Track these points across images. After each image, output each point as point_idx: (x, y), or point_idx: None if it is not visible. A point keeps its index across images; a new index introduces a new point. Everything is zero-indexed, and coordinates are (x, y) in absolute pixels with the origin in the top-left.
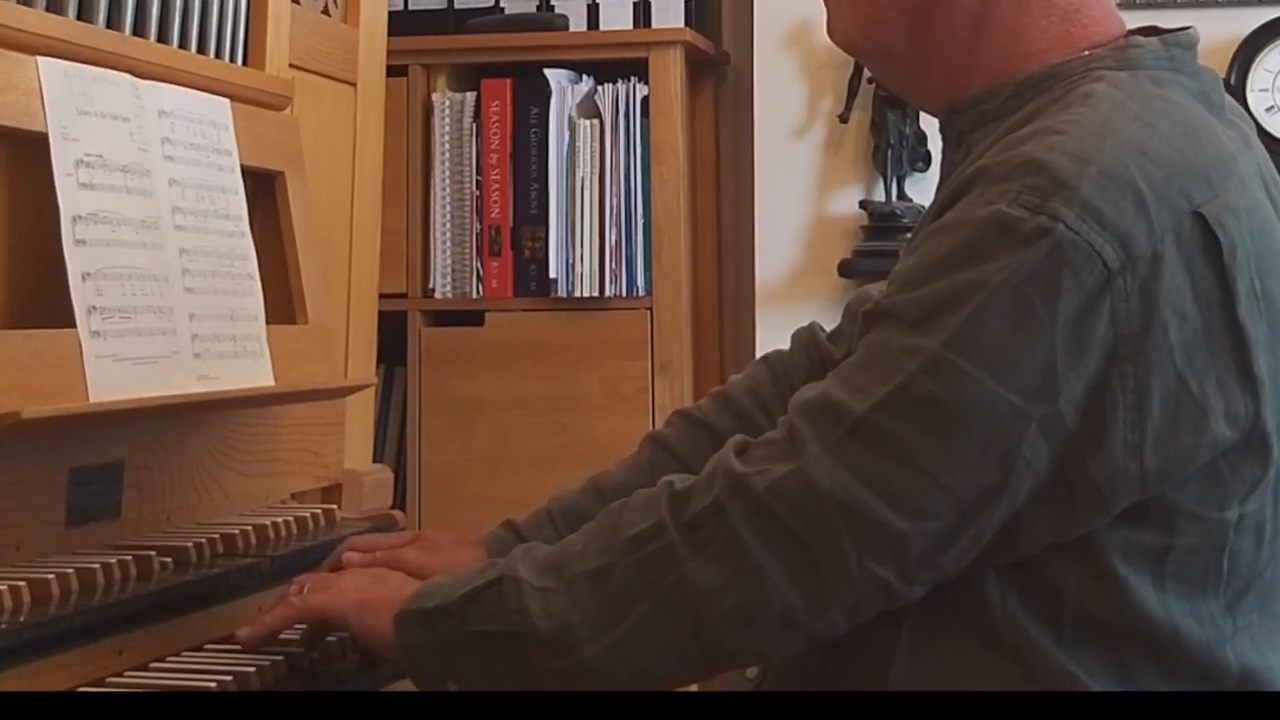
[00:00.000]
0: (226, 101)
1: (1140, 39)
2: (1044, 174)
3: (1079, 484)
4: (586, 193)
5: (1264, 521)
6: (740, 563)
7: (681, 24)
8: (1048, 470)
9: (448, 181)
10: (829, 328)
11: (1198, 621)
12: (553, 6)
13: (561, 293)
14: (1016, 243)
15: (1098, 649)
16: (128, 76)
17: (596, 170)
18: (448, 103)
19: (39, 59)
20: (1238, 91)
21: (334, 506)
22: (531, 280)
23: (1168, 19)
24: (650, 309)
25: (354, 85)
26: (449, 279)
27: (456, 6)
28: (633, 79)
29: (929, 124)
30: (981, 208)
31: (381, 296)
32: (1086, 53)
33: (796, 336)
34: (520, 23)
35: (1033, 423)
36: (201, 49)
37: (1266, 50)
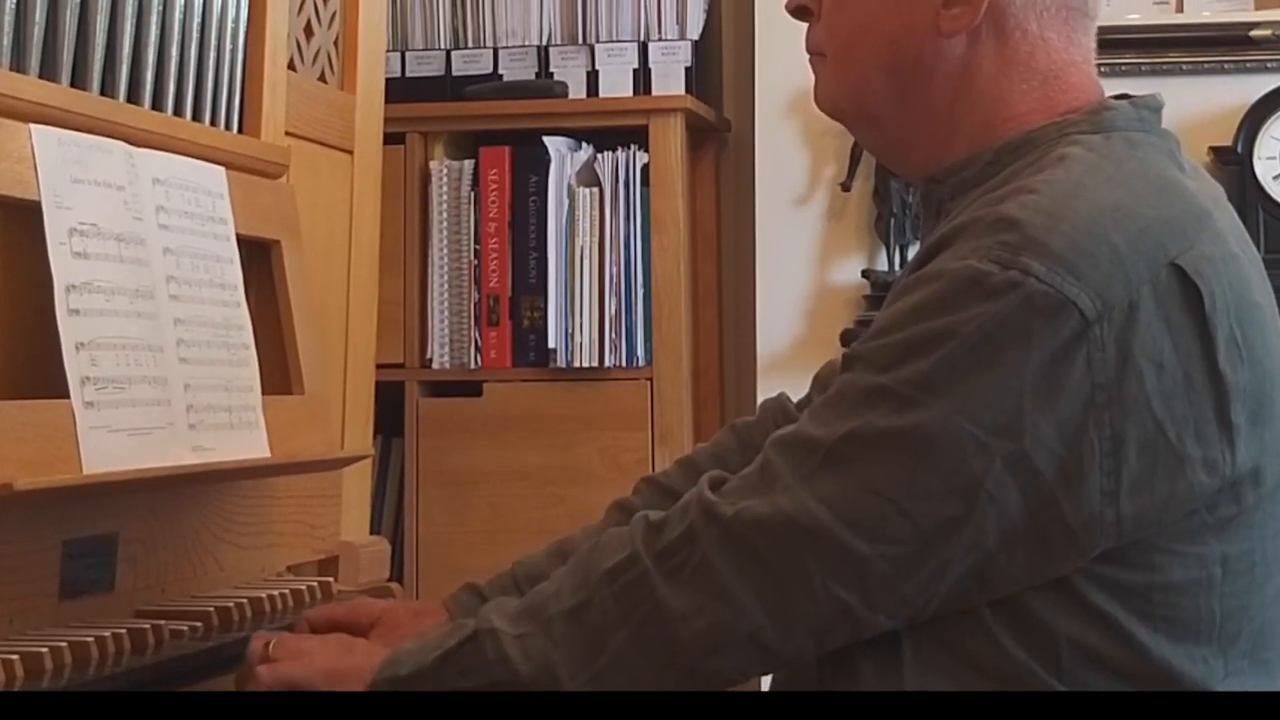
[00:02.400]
0: (221, 169)
1: (1113, 102)
2: (1016, 230)
3: (1053, 528)
4: (586, 261)
5: (1253, 565)
6: (711, 587)
7: (682, 91)
8: (1020, 512)
9: (445, 250)
10: None
11: (1191, 662)
12: (552, 74)
13: (561, 363)
14: (985, 295)
15: (1098, 689)
16: (122, 144)
17: (596, 239)
18: (445, 170)
19: (32, 127)
20: (1245, 159)
21: (330, 579)
22: (530, 350)
23: (1173, 86)
24: (650, 379)
25: (351, 153)
26: (447, 349)
27: (454, 73)
28: (633, 147)
29: None
30: (954, 262)
31: (378, 367)
32: (1062, 118)
33: (764, 406)
34: (519, 90)
35: (997, 459)
36: (196, 116)
37: (1274, 118)
